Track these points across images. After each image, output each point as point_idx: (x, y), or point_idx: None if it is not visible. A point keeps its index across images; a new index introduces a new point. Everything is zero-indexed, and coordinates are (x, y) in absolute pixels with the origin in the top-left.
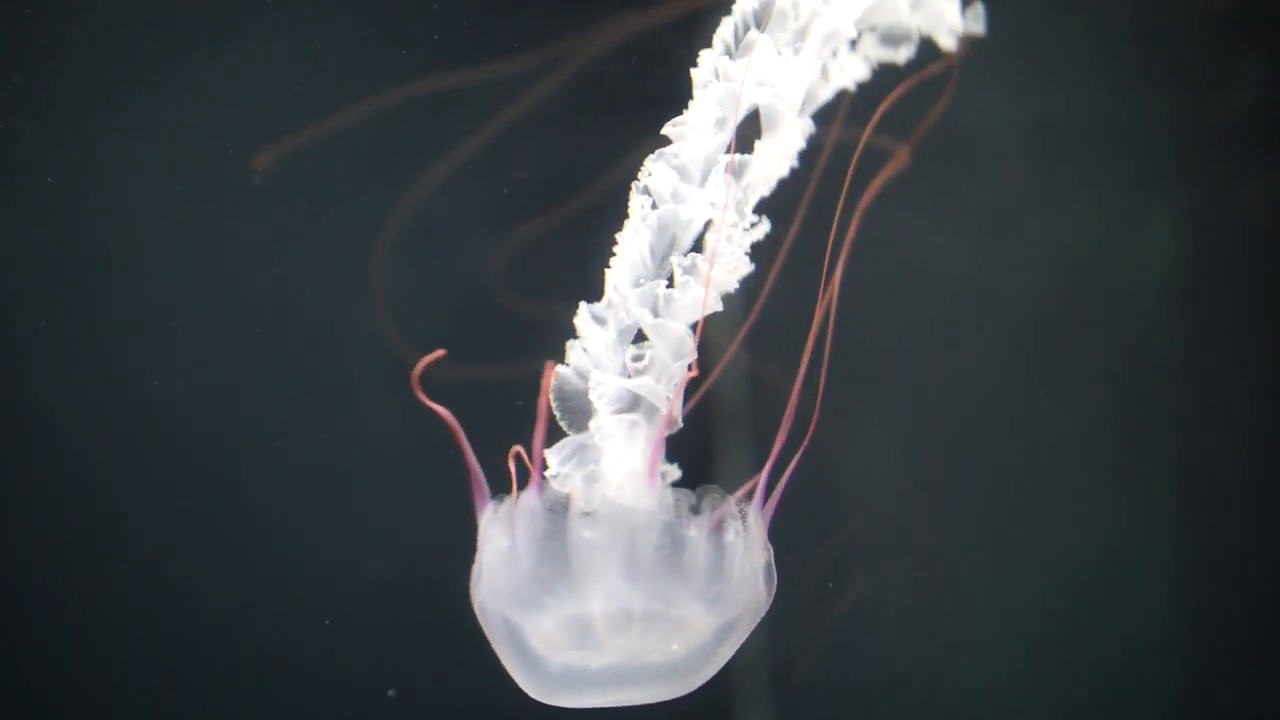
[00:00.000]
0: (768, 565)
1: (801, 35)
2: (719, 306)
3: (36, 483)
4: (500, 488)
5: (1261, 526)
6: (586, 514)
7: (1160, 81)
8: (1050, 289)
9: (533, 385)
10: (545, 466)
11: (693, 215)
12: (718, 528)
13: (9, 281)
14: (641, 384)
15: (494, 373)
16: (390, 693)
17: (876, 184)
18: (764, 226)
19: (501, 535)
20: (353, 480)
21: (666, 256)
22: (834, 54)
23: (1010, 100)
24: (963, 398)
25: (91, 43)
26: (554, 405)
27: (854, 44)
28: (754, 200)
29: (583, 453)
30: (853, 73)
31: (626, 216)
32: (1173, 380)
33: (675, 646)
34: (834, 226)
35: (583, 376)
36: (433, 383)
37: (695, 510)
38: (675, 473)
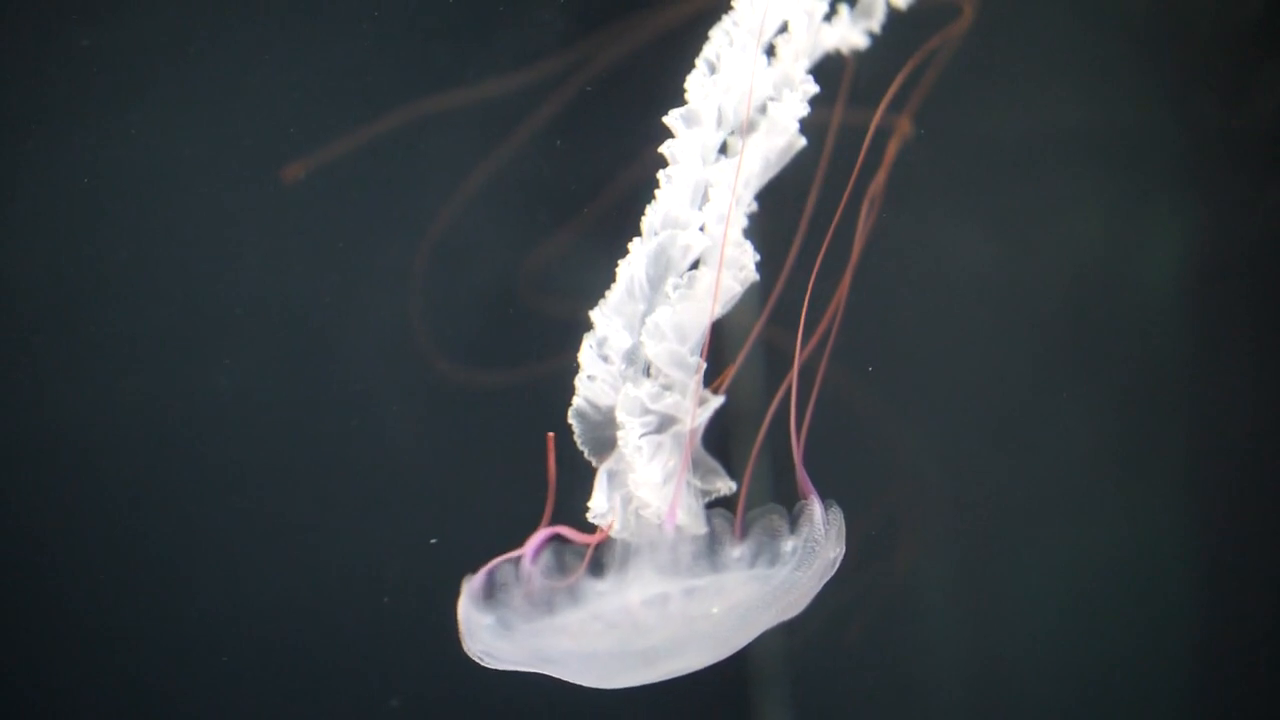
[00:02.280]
0: (833, 561)
1: (777, 29)
2: (722, 312)
3: (40, 485)
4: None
5: (1272, 523)
6: (598, 570)
7: (1181, 88)
8: (1069, 291)
9: (562, 386)
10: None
11: (690, 240)
12: (775, 538)
13: (44, 282)
14: (661, 403)
15: (523, 375)
16: (394, 702)
17: (888, 158)
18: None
19: (489, 611)
20: (376, 487)
21: (664, 279)
22: (814, 37)
23: (1031, 105)
24: (978, 397)
25: (130, 50)
26: (576, 436)
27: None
28: (751, 206)
29: (614, 480)
30: (845, 37)
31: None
32: (1189, 381)
33: (715, 610)
34: (835, 221)
35: (597, 406)
36: (464, 387)
37: (745, 526)
38: (730, 486)
